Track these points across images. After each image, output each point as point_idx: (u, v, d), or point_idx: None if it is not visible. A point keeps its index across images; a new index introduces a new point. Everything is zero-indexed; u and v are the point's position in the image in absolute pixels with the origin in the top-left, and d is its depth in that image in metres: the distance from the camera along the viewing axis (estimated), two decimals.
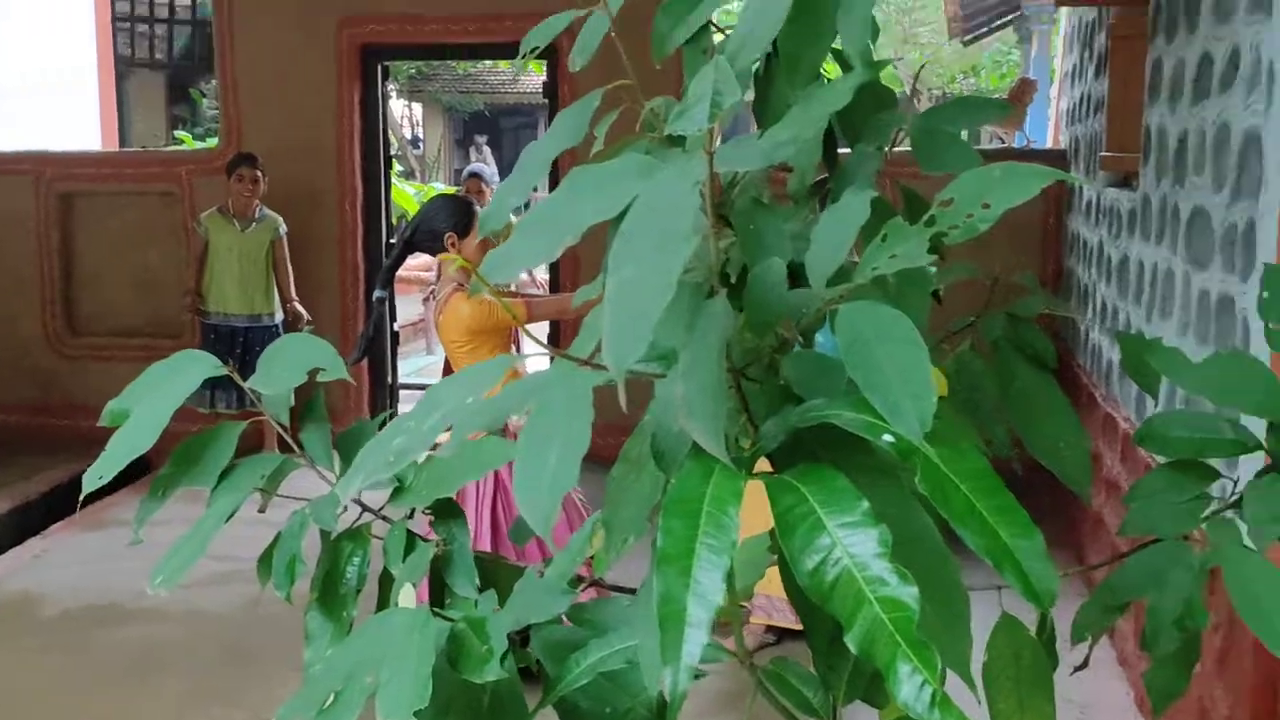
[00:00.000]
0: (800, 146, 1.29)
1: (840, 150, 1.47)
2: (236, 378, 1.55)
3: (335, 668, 1.23)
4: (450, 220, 3.86)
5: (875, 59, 1.33)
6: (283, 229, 6.66)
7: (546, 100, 7.11)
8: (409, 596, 1.41)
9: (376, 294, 3.89)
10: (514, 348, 4.13)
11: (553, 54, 6.91)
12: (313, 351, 1.49)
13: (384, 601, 1.49)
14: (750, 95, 1.43)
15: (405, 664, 1.13)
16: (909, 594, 0.84)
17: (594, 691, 1.20)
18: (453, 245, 3.84)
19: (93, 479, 1.47)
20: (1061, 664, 1.43)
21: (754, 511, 0.98)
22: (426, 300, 8.32)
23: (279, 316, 6.68)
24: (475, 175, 7.62)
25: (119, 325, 7.44)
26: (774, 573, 4.01)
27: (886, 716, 1.31)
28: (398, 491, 1.52)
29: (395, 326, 7.52)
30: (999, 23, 15.17)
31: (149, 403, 1.51)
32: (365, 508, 1.54)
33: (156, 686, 4.00)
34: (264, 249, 6.59)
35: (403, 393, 7.87)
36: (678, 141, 1.41)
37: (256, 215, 6.59)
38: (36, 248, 7.40)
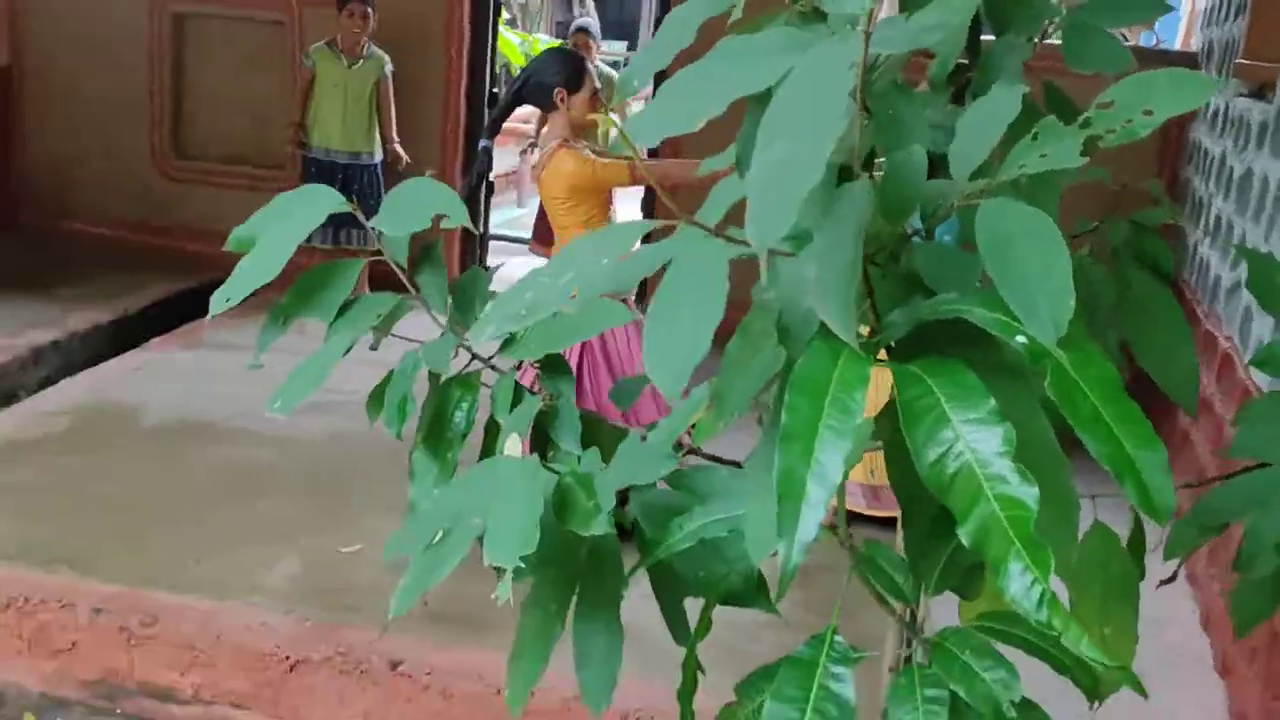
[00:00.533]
0: (947, 32, 1.25)
1: (983, 38, 1.43)
2: (360, 216, 1.55)
3: (443, 507, 1.28)
4: (561, 75, 3.83)
5: None
6: (389, 68, 6.64)
7: None
8: (515, 446, 1.45)
9: (482, 143, 3.90)
10: (611, 208, 4.12)
11: None
12: (437, 197, 1.51)
13: (488, 449, 1.53)
14: None
15: (514, 509, 1.17)
16: (1029, 494, 0.85)
17: (690, 556, 1.23)
18: (562, 100, 3.82)
19: (220, 301, 1.50)
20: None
21: None
22: (524, 153, 8.32)
23: (379, 155, 6.71)
24: (583, 30, 7.53)
25: (224, 151, 7.54)
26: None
27: (969, 610, 1.33)
28: (508, 343, 1.54)
29: (490, 176, 7.53)
30: None
31: (276, 231, 1.53)
32: (475, 355, 1.57)
33: (248, 507, 4.16)
34: (369, 86, 6.60)
35: (492, 244, 7.92)
36: (819, 17, 1.39)
37: (364, 52, 6.58)
38: (148, 67, 7.48)
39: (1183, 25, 15.46)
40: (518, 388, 1.52)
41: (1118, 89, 0.98)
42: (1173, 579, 1.56)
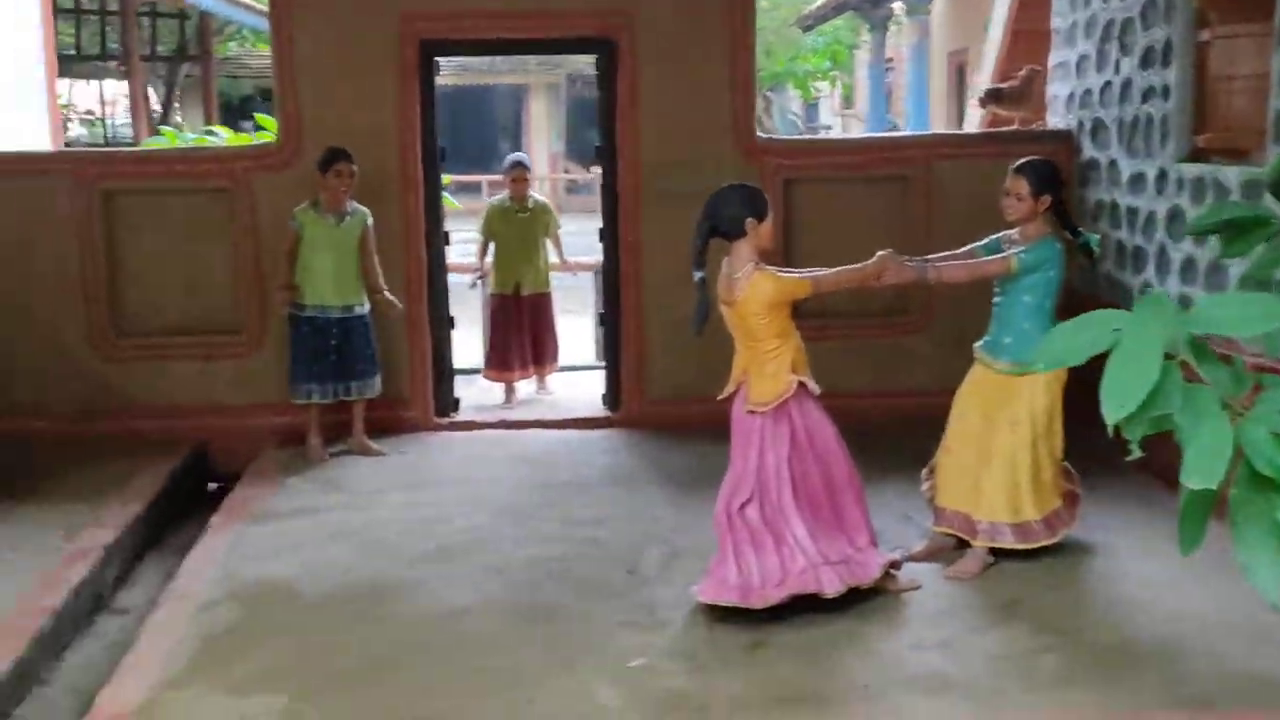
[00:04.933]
0: None
1: None
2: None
3: None
4: (750, 206, 4.33)
5: None
6: (370, 221, 6.83)
7: None
8: None
9: (698, 275, 4.31)
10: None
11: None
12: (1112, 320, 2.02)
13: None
14: None
15: None
16: None
17: None
18: (751, 228, 4.32)
19: (1115, 410, 1.93)
20: None
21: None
22: (473, 285, 8.60)
23: (367, 306, 6.85)
24: (520, 164, 7.97)
25: (169, 324, 7.38)
26: (995, 499, 5.09)
27: None
28: None
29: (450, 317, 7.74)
30: None
31: (1137, 343, 1.97)
32: None
33: (505, 647, 4.29)
34: (356, 241, 6.76)
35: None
36: None
37: (348, 209, 6.75)
38: (78, 249, 7.23)
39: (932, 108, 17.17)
40: None
41: None
42: None
